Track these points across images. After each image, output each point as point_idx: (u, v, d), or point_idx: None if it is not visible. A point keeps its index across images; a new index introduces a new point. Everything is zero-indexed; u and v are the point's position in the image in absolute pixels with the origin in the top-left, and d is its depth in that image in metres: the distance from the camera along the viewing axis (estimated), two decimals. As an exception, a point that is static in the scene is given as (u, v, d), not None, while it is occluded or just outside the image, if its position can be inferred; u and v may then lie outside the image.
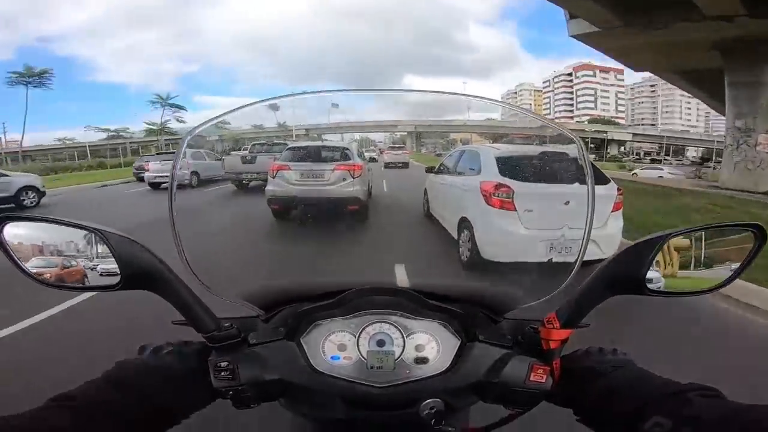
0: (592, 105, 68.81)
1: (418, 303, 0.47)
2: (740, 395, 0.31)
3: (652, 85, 69.86)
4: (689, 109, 66.30)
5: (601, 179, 2.94)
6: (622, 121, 58.50)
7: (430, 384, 0.44)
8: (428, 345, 0.46)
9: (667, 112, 66.62)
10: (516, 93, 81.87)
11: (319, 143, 4.74)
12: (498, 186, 2.74)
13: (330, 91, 0.52)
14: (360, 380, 0.44)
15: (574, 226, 2.25)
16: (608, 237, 2.72)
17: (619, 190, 2.93)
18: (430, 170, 4.79)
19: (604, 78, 68.54)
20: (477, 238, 2.84)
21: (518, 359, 0.43)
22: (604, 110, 66.22)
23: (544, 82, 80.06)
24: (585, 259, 0.42)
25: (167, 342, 0.43)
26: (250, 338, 0.45)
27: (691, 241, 0.42)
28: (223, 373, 0.41)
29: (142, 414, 0.35)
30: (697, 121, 63.84)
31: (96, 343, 1.88)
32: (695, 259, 0.42)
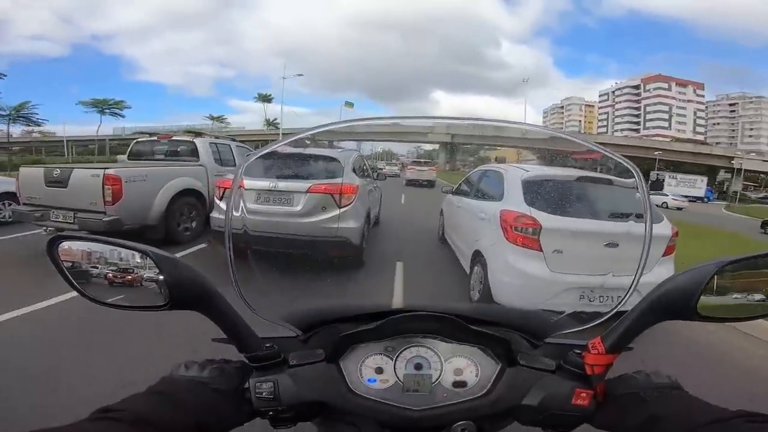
0: (665, 123, 66.22)
1: (457, 328, 0.51)
2: None
3: (731, 104, 66.77)
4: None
5: (654, 217, 2.69)
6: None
7: (467, 407, 0.48)
8: (467, 369, 0.51)
9: (751, 136, 63.17)
10: (563, 108, 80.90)
11: (294, 149, 3.80)
12: (521, 217, 2.56)
13: (394, 118, 0.52)
14: (396, 403, 0.49)
15: (620, 273, 2.06)
16: (654, 285, 2.50)
17: (673, 230, 2.66)
18: (446, 190, 4.72)
19: (681, 93, 66.31)
20: (490, 278, 2.68)
21: (561, 383, 0.47)
22: (679, 130, 63.93)
23: (601, 96, 78.59)
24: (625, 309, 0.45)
25: (208, 359, 0.48)
26: (291, 359, 0.50)
27: (743, 268, 0.44)
28: (264, 394, 0.46)
29: (185, 429, 0.39)
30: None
31: (140, 359, 2.11)
32: (747, 286, 0.45)
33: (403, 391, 0.50)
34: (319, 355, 0.51)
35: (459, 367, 0.52)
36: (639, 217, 2.16)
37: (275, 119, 51.55)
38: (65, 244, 0.45)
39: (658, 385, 0.44)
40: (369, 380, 0.51)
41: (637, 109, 69.19)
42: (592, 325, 0.55)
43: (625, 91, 71.68)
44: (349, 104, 54.47)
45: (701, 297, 0.41)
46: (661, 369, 0.47)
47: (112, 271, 0.46)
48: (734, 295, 0.45)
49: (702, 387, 0.45)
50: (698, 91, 66.26)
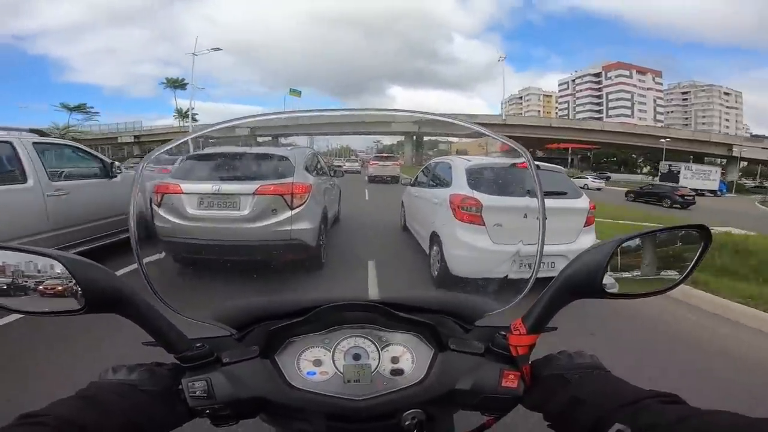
0: (628, 111, 71.35)
1: (391, 316, 0.56)
2: (702, 399, 0.39)
3: (684, 92, 73.44)
4: (728, 119, 69.53)
5: (574, 193, 3.48)
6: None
7: (408, 395, 0.53)
8: (403, 356, 0.55)
9: (704, 123, 69.76)
10: (521, 98, 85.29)
11: (238, 149, 3.82)
12: (466, 199, 3.25)
13: (313, 111, 0.60)
14: (339, 394, 0.52)
15: (529, 241, 2.71)
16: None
17: (591, 204, 3.46)
18: (406, 182, 5.43)
19: (641, 80, 71.85)
20: (445, 253, 3.33)
21: (489, 366, 0.52)
22: (641, 118, 69.27)
23: (560, 84, 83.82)
24: (553, 274, 0.50)
25: (138, 364, 0.49)
26: (224, 357, 0.52)
27: (643, 244, 0.52)
28: (198, 392, 0.49)
29: (113, 431, 0.40)
30: (737, 131, 66.90)
31: (65, 366, 2.19)
32: (648, 261, 0.51)
33: (344, 383, 0.53)
34: (253, 352, 0.54)
35: (396, 355, 0.55)
36: (562, 194, 3.15)
37: (190, 110, 47.56)
38: None
39: (581, 365, 0.49)
40: (308, 373, 0.54)
41: (599, 97, 74.52)
42: (512, 304, 0.62)
43: (586, 79, 76.88)
44: (295, 92, 50.39)
45: (605, 275, 0.46)
46: (585, 348, 0.52)
47: (26, 279, 0.46)
48: (637, 272, 0.51)
49: (622, 362, 0.46)
50: (657, 79, 72.40)
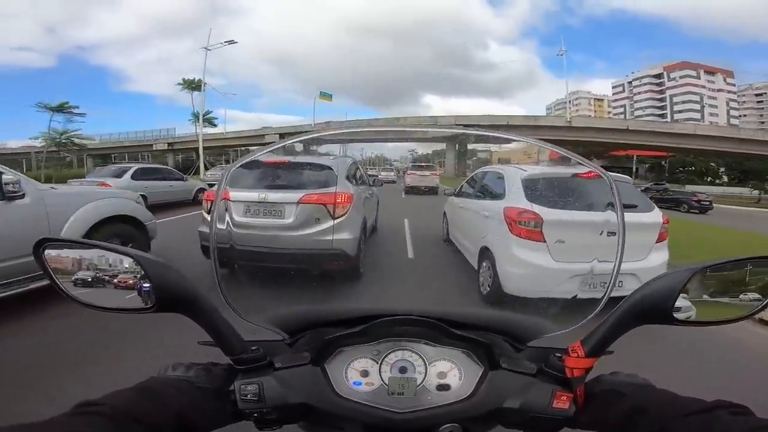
0: (696, 114, 66.55)
1: (441, 332, 0.58)
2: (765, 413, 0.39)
3: (758, 94, 68.44)
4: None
5: (645, 207, 3.26)
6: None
7: (451, 410, 0.55)
8: (450, 372, 0.58)
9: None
10: (569, 103, 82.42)
11: (284, 157, 4.01)
12: (523, 213, 3.13)
13: (374, 126, 0.75)
14: (381, 406, 0.55)
15: (605, 258, 2.56)
16: (651, 270, 3.04)
17: (664, 218, 3.23)
18: (449, 193, 5.39)
19: (710, 81, 67.52)
20: (499, 270, 3.25)
21: (541, 387, 0.54)
22: (711, 122, 64.11)
23: (614, 87, 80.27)
24: (623, 294, 0.51)
25: (195, 362, 0.54)
26: (276, 362, 0.56)
27: (714, 274, 0.52)
28: (249, 396, 0.52)
29: (168, 426, 0.43)
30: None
31: (129, 362, 2.43)
32: (718, 291, 0.52)
33: (388, 394, 0.56)
34: (304, 358, 0.57)
35: (443, 371, 0.58)
36: (632, 207, 2.95)
37: (209, 114, 45.73)
38: (52, 248, 0.51)
39: (633, 384, 0.51)
40: (354, 383, 0.57)
41: (662, 99, 70.53)
42: (573, 328, 0.64)
43: (645, 81, 73.00)
44: (326, 95, 48.05)
45: (677, 301, 0.47)
46: (638, 372, 0.54)
47: (99, 274, 0.51)
48: (709, 300, 0.52)
49: (676, 388, 0.50)
50: (728, 80, 67.68)
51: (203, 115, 38.89)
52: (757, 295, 0.52)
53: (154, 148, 52.90)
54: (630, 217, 3.15)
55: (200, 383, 0.51)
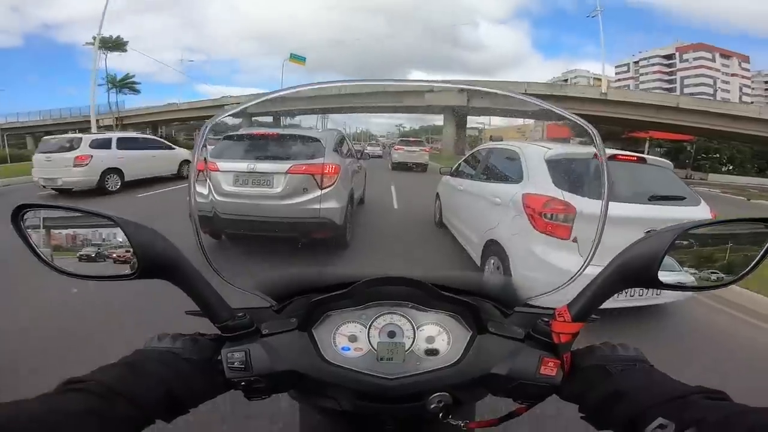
0: (708, 98, 66.44)
1: (429, 294, 0.60)
2: (748, 398, 0.41)
3: (767, 81, 69.38)
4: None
5: (692, 199, 2.83)
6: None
7: (440, 376, 0.56)
8: (439, 337, 0.59)
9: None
10: (566, 81, 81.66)
11: (272, 130, 4.44)
12: (551, 202, 2.65)
13: (352, 80, 0.63)
14: (370, 372, 0.56)
15: None
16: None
17: (712, 212, 2.84)
18: (445, 171, 4.98)
19: (725, 65, 67.02)
20: (514, 273, 2.81)
21: (528, 352, 0.55)
22: None
23: (618, 67, 79.71)
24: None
25: (181, 333, 0.55)
26: (263, 328, 0.57)
27: (705, 234, 0.53)
28: (236, 364, 0.53)
29: (156, 400, 0.45)
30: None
31: (107, 333, 2.55)
32: (708, 253, 0.53)
33: (377, 360, 0.57)
34: (291, 324, 0.58)
35: (431, 335, 0.59)
36: (679, 199, 2.28)
37: (129, 79, 42.25)
38: (30, 213, 0.51)
39: (623, 358, 0.52)
40: (343, 348, 0.58)
41: (671, 81, 70.27)
42: (557, 289, 0.66)
43: (654, 61, 72.31)
44: (297, 59, 42.93)
45: (662, 264, 0.48)
46: (628, 341, 0.55)
47: (80, 240, 0.52)
48: (695, 263, 0.53)
49: (669, 361, 0.52)
50: (743, 64, 67.42)
51: (122, 81, 37.41)
52: (744, 259, 0.53)
53: (101, 124, 50.37)
54: (676, 212, 2.71)
55: (187, 355, 0.52)
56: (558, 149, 2.95)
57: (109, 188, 9.33)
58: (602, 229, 0.65)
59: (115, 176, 9.45)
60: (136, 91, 41.14)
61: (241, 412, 1.65)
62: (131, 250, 0.49)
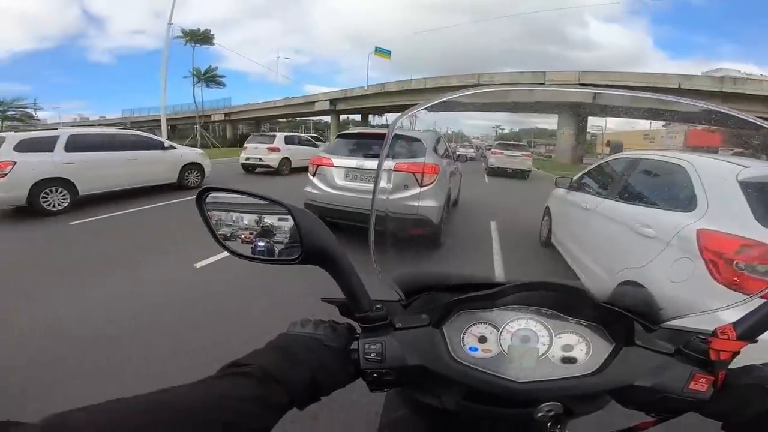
0: None
1: (572, 302, 0.61)
2: None
3: None
4: None
5: None
6: None
7: (575, 384, 0.57)
8: (577, 346, 0.60)
9: None
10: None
11: (378, 130, 5.10)
12: (750, 248, 1.90)
13: (520, 85, 0.86)
14: (499, 373, 0.58)
15: None
16: None
17: None
18: (562, 183, 4.25)
19: None
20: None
21: (679, 367, 0.56)
22: None
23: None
24: None
25: (320, 319, 0.61)
26: (396, 322, 0.61)
27: None
28: (372, 355, 0.58)
29: (303, 386, 0.51)
30: None
31: (252, 317, 3.03)
32: None
33: (508, 362, 0.59)
34: (424, 320, 0.62)
35: (569, 344, 0.60)
36: None
37: (212, 72, 40.09)
38: (212, 196, 0.60)
39: None
40: (471, 348, 0.60)
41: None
42: (711, 311, 0.67)
43: None
44: (383, 52, 43.62)
45: None
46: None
47: (251, 224, 0.60)
48: None
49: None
50: None
51: (206, 73, 37.52)
52: None
53: (213, 119, 55.19)
54: None
55: (328, 342, 0.57)
56: (761, 167, 2.13)
57: (50, 207, 7.00)
58: None
59: (60, 190, 7.15)
60: (221, 85, 41.45)
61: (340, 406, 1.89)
62: (298, 235, 0.54)
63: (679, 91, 24.88)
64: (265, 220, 0.58)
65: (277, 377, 0.47)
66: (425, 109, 0.66)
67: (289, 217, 0.54)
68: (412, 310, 0.67)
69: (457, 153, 7.98)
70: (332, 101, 46.91)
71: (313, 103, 48.80)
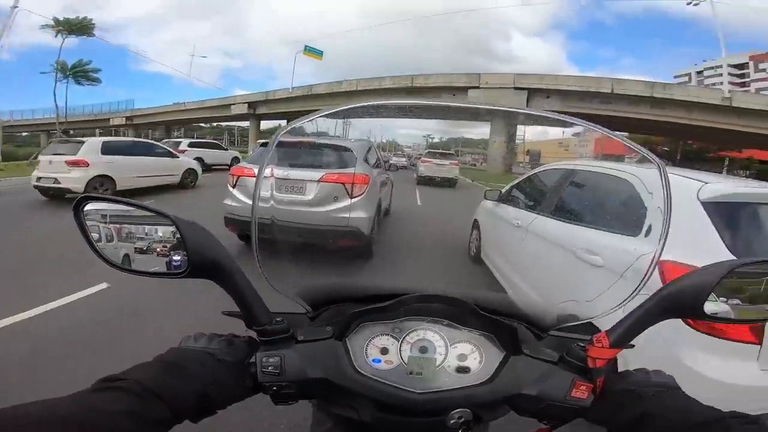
0: None
1: (470, 313, 0.63)
2: None
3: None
4: None
5: None
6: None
7: (469, 393, 0.59)
8: (471, 355, 0.62)
9: None
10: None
11: (306, 138, 4.66)
12: None
13: (425, 102, 0.69)
14: (399, 385, 0.59)
15: None
16: None
17: None
18: (491, 195, 4.23)
19: None
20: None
21: (561, 375, 0.58)
22: None
23: (676, 77, 76.36)
24: None
25: (216, 333, 0.60)
26: (298, 335, 0.61)
27: (754, 271, 0.56)
28: (270, 368, 0.57)
29: (190, 401, 0.49)
30: None
31: (141, 331, 2.75)
32: (755, 289, 0.57)
33: (406, 374, 0.60)
34: (327, 332, 0.62)
35: (464, 353, 0.62)
36: None
37: (82, 66, 31.36)
38: (90, 205, 0.57)
39: (656, 384, 0.54)
40: (374, 360, 0.61)
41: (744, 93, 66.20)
42: (597, 317, 0.71)
43: (721, 71, 68.60)
44: (313, 52, 40.07)
45: (708, 297, 0.51)
46: (663, 368, 0.58)
47: (134, 235, 0.57)
48: (741, 297, 0.57)
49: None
50: None
51: (74, 67, 29.07)
52: None
53: (112, 123, 50.38)
54: None
55: (222, 356, 0.55)
56: (723, 185, 1.88)
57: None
58: (664, 240, 0.65)
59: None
60: (95, 81, 32.83)
61: (254, 414, 1.67)
62: (184, 248, 0.53)
63: (612, 95, 26.15)
64: (150, 232, 0.57)
65: (157, 392, 0.44)
66: (309, 121, 0.66)
67: (175, 228, 0.53)
68: (320, 322, 0.67)
69: (390, 162, 7.81)
70: (251, 104, 43.46)
71: (229, 106, 45.13)
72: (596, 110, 26.50)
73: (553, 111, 0.66)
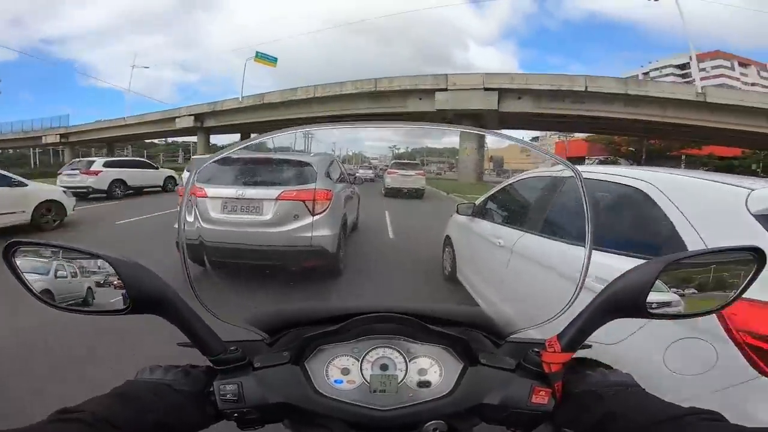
0: None
1: (421, 328, 0.66)
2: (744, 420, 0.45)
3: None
4: None
5: None
6: None
7: (433, 407, 0.61)
8: (431, 369, 0.64)
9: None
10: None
11: (262, 154, 4.48)
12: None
13: (364, 124, 0.77)
14: (363, 404, 0.61)
15: None
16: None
17: None
18: (464, 210, 3.95)
19: (743, 74, 66.36)
20: None
21: (519, 382, 0.60)
22: None
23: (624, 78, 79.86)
24: None
25: (173, 365, 0.62)
26: (255, 362, 0.63)
27: (691, 265, 0.58)
28: (228, 396, 0.59)
29: (146, 429, 0.49)
30: None
31: (101, 364, 2.72)
32: (695, 282, 0.57)
33: (369, 392, 0.62)
34: (284, 357, 0.64)
35: (423, 367, 0.64)
36: None
37: None
38: (21, 249, 0.57)
39: (615, 383, 0.56)
40: (336, 381, 0.63)
41: (717, 89, 69.42)
42: (547, 321, 0.70)
43: (666, 71, 71.54)
44: (266, 59, 37.25)
45: (649, 294, 0.53)
46: (620, 367, 0.62)
47: (72, 277, 0.59)
48: (680, 292, 0.57)
49: (661, 386, 0.69)
50: (762, 73, 66.74)
51: None
52: (729, 286, 0.57)
53: (45, 141, 46.58)
54: None
55: (179, 386, 0.56)
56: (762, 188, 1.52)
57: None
58: (590, 244, 0.66)
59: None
60: None
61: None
62: (122, 286, 0.54)
63: (586, 94, 25.42)
64: (87, 270, 0.58)
65: (114, 422, 0.45)
66: (241, 148, 0.67)
67: (111, 267, 0.54)
68: (278, 348, 0.68)
69: (356, 175, 7.86)
70: (198, 117, 39.94)
71: (174, 119, 41.46)
72: (568, 110, 26.47)
73: (498, 131, 0.76)
